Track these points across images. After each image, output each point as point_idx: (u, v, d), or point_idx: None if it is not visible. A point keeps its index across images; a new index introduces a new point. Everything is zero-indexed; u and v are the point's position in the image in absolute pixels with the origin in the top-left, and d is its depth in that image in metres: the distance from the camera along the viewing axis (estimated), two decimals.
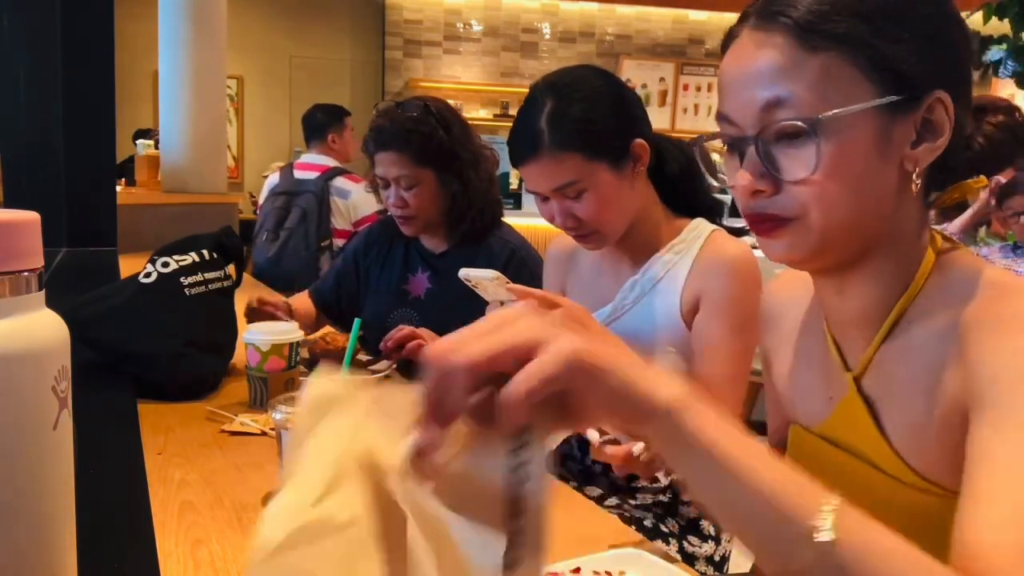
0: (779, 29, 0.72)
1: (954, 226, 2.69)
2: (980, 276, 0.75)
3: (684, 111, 9.08)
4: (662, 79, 8.99)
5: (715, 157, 0.87)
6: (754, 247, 1.45)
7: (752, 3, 0.77)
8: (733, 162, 0.77)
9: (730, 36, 0.78)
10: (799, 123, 0.71)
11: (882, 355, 0.80)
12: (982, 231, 3.01)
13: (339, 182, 3.47)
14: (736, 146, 0.77)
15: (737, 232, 1.45)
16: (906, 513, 0.73)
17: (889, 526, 0.66)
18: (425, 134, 1.78)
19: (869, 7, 0.71)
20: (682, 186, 1.46)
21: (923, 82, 0.72)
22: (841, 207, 0.73)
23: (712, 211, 1.47)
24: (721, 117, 0.78)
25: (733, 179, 0.76)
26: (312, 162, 3.59)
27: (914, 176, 0.74)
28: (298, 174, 3.55)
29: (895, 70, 0.71)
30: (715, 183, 0.83)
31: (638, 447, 0.90)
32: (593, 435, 0.90)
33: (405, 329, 1.63)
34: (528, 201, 5.22)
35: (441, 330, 1.77)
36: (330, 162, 3.58)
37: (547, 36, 8.76)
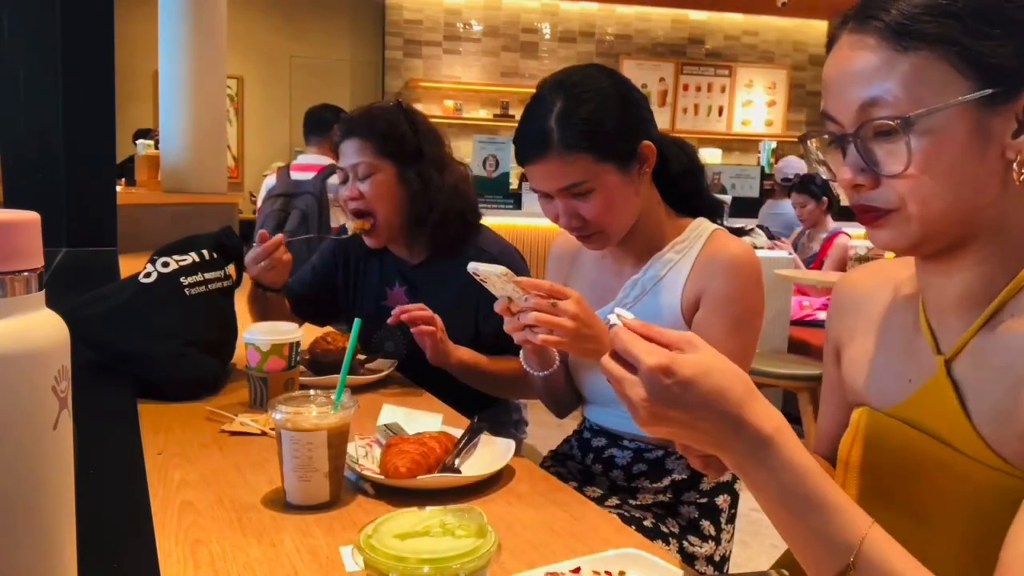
0: (872, 32, 0.77)
1: None
2: None
3: (684, 111, 9.08)
4: (662, 79, 8.99)
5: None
6: (755, 247, 1.45)
7: (850, 7, 0.81)
8: (837, 157, 0.82)
9: (831, 39, 0.82)
10: (891, 122, 0.75)
11: (979, 341, 0.80)
12: None
13: (336, 178, 3.46)
14: (838, 143, 0.81)
15: (738, 232, 1.45)
16: (984, 491, 0.76)
17: (964, 503, 0.76)
18: (391, 122, 1.77)
19: (960, 6, 0.74)
20: (684, 186, 1.46)
21: (1019, 73, 0.73)
22: (937, 199, 0.76)
23: (713, 211, 1.47)
24: (824, 115, 0.82)
25: (837, 174, 0.82)
26: (308, 162, 3.58)
27: (1015, 165, 0.75)
28: (295, 175, 3.54)
29: (988, 65, 0.73)
30: (824, 173, 0.87)
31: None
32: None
33: (426, 310, 1.57)
34: (528, 201, 5.21)
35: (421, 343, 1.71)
36: (326, 160, 3.58)
37: (547, 36, 8.76)
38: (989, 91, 0.73)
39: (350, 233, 1.82)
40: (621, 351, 0.72)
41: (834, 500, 0.69)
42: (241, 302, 1.66)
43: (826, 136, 0.83)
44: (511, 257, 1.81)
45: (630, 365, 0.71)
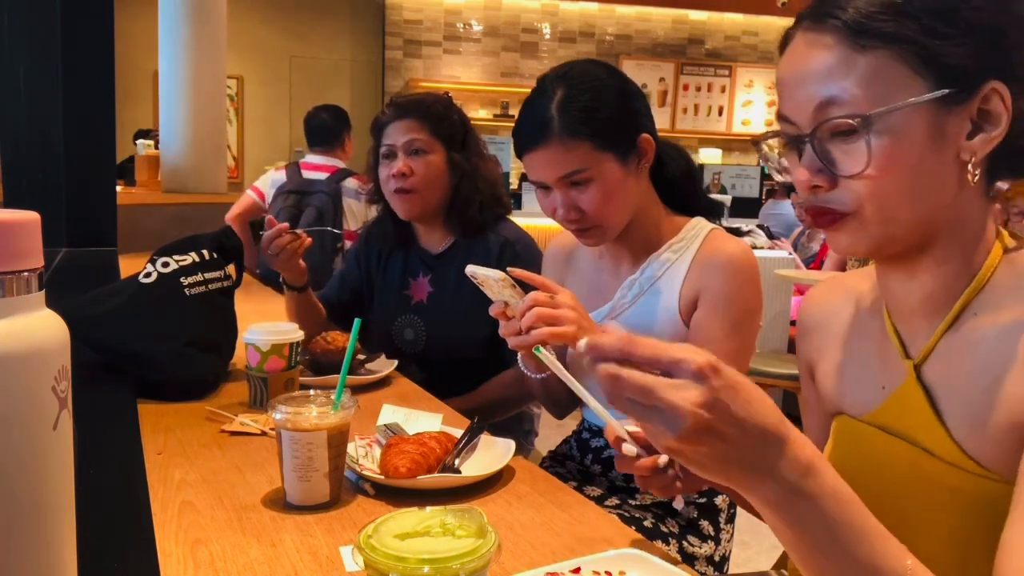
0: (830, 30, 0.75)
1: None
2: None
3: (684, 111, 9.08)
4: (662, 79, 8.99)
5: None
6: (755, 247, 1.45)
7: (806, 7, 0.80)
8: (793, 159, 0.80)
9: (786, 39, 0.81)
10: (850, 120, 0.74)
11: (945, 344, 0.80)
12: None
13: (350, 183, 3.45)
14: (794, 144, 0.79)
15: (735, 232, 1.45)
16: (960, 495, 0.75)
17: (941, 507, 0.75)
18: (445, 108, 1.87)
19: (916, 5, 0.73)
20: (682, 188, 1.46)
21: (975, 74, 0.73)
22: (895, 200, 0.75)
23: (712, 212, 1.47)
24: (780, 117, 0.81)
25: (794, 175, 0.80)
26: (321, 163, 3.56)
27: (970, 167, 0.74)
28: (307, 174, 3.52)
29: (944, 65, 0.73)
30: (779, 179, 0.85)
31: (663, 459, 0.86)
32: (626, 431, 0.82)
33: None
34: (528, 201, 5.21)
35: (446, 332, 1.79)
36: (338, 163, 3.57)
37: (547, 36, 8.76)
38: (945, 91, 0.73)
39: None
40: (647, 358, 0.60)
41: (876, 528, 0.64)
42: (241, 302, 1.66)
43: (782, 138, 0.81)
44: (526, 244, 1.89)
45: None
